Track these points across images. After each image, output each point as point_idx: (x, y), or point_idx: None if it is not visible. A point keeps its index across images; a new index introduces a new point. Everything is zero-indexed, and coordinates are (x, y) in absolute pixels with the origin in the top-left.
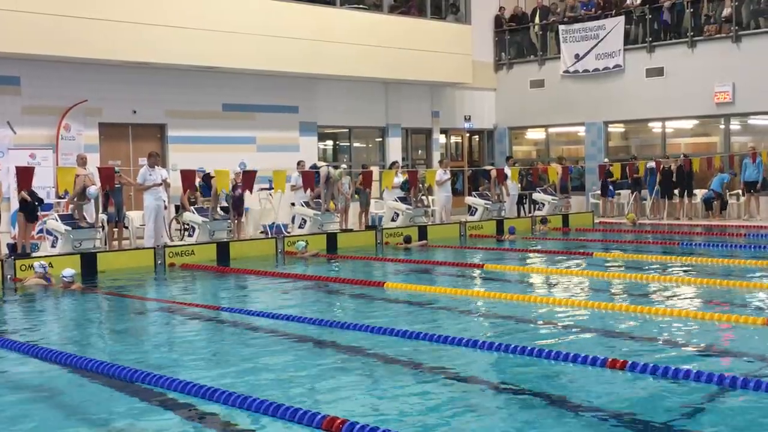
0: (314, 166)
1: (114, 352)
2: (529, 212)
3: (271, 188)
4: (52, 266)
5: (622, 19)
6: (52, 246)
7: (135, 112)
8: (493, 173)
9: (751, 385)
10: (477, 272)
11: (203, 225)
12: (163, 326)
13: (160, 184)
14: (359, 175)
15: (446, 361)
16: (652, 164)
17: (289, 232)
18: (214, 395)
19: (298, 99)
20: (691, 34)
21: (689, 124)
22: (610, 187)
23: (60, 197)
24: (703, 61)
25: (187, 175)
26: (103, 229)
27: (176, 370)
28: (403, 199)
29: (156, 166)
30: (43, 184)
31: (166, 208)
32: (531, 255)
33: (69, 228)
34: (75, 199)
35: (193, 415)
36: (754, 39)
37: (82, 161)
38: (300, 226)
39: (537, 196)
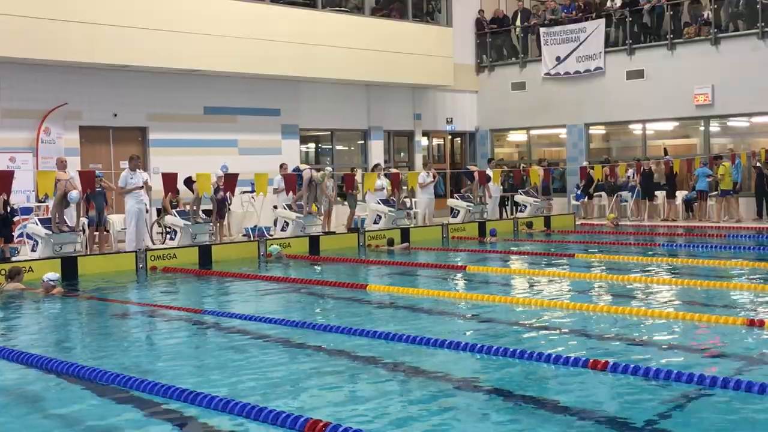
0: (297, 169)
1: (94, 356)
2: (511, 214)
3: (253, 191)
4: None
5: (602, 21)
6: (33, 250)
7: (116, 115)
8: (477, 174)
9: (732, 385)
10: (459, 274)
11: (185, 228)
12: (144, 330)
13: (142, 188)
14: (342, 177)
15: (429, 363)
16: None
17: (271, 235)
18: (195, 399)
19: (280, 102)
20: (671, 36)
21: (669, 125)
22: (577, 192)
23: (40, 201)
24: (683, 64)
25: (168, 178)
26: (84, 232)
27: (157, 374)
28: (385, 202)
29: (137, 170)
30: (22, 188)
31: (147, 211)
32: (513, 257)
33: (49, 232)
34: (56, 204)
35: (174, 418)
36: (732, 41)
37: (61, 165)
38: (282, 229)
39: (519, 198)
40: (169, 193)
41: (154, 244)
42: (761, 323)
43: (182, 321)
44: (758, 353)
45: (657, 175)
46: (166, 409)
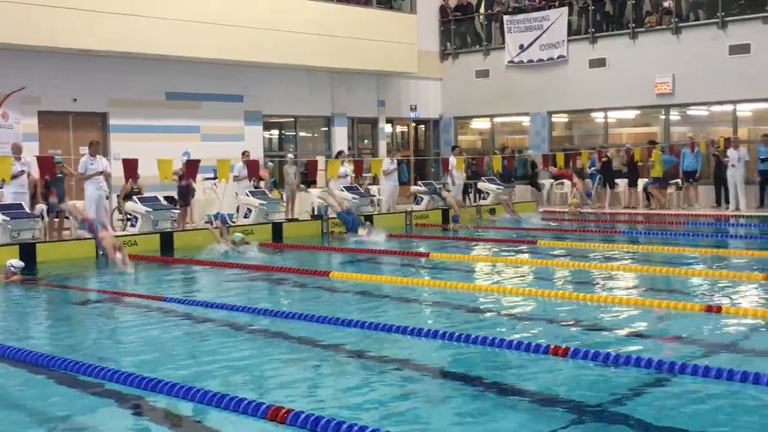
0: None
1: (54, 343)
2: (475, 201)
3: (215, 178)
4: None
5: (565, 10)
6: None
7: (75, 100)
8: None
9: (689, 370)
10: (423, 261)
11: (146, 215)
12: (105, 317)
13: (101, 173)
14: (306, 164)
15: (392, 350)
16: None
17: (234, 222)
18: (156, 386)
19: (243, 88)
20: (633, 25)
21: (631, 114)
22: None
23: None
24: (644, 53)
25: (129, 165)
26: (43, 219)
27: (118, 362)
28: (349, 189)
29: (97, 155)
30: None
31: (107, 197)
32: (476, 244)
33: (7, 218)
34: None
35: (135, 406)
36: (693, 31)
37: (16, 150)
38: (245, 216)
39: (482, 185)
40: (130, 180)
41: (114, 230)
42: (718, 309)
43: (143, 308)
44: (715, 339)
45: (617, 163)
46: (128, 397)
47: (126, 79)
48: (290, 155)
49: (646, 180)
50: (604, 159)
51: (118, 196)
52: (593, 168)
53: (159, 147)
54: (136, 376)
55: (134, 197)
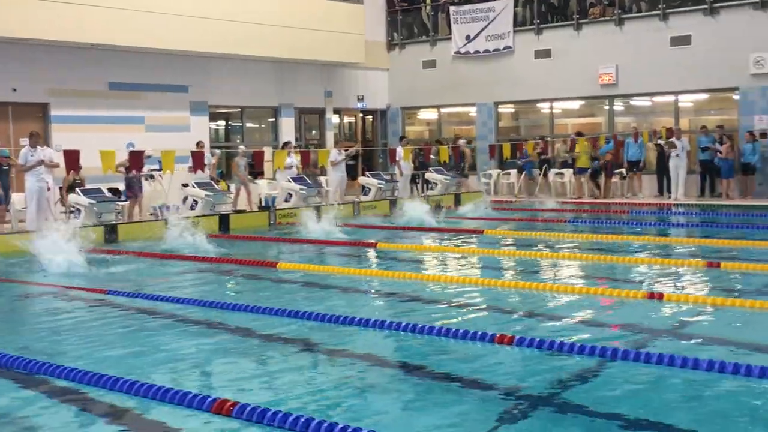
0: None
1: None
2: (422, 191)
3: (160, 169)
4: None
5: (510, 1)
6: None
7: (15, 90)
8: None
9: (631, 357)
10: (370, 251)
11: (89, 207)
12: (46, 311)
13: (41, 163)
14: (253, 155)
15: (339, 341)
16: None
17: (179, 214)
18: (99, 381)
19: (189, 78)
20: (577, 17)
21: (576, 104)
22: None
23: None
24: (589, 44)
25: (70, 156)
26: None
27: (61, 356)
28: (296, 179)
29: (38, 146)
30: None
31: (49, 189)
32: (423, 233)
33: None
34: None
35: (79, 401)
36: (635, 22)
37: None
38: (191, 208)
39: (430, 175)
40: (72, 171)
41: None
42: (660, 296)
43: (87, 302)
44: (657, 325)
45: (564, 153)
46: (70, 392)
47: (67, 68)
48: (242, 147)
49: (588, 169)
50: (538, 150)
51: (60, 188)
52: (523, 159)
53: (102, 138)
54: (79, 371)
55: (77, 189)
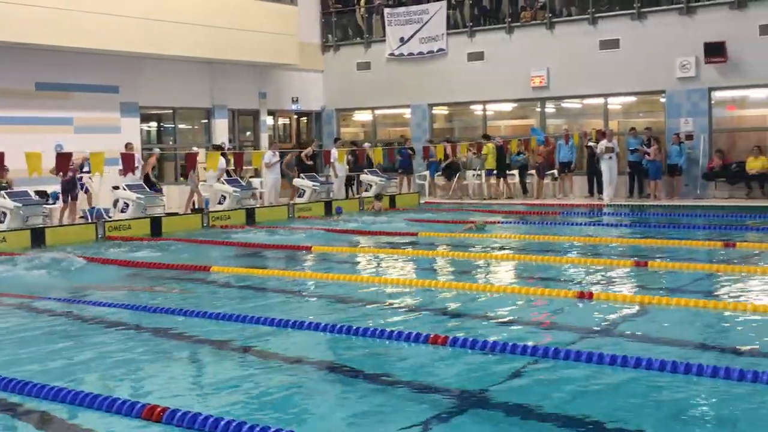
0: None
1: None
2: (357, 193)
3: (88, 171)
4: None
5: (444, 3)
6: None
7: None
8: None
9: (562, 355)
10: (305, 254)
11: (15, 210)
12: None
13: None
14: (185, 156)
15: (275, 344)
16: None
17: (110, 217)
18: (24, 388)
19: (119, 79)
20: (509, 20)
21: (508, 106)
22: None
23: None
24: (520, 47)
25: None
26: None
27: None
28: (230, 182)
29: None
30: None
31: None
32: (358, 235)
33: None
34: None
35: (5, 409)
36: (566, 26)
37: None
38: (122, 210)
39: (364, 177)
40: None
41: None
42: (590, 295)
43: (13, 307)
44: (587, 324)
45: (472, 156)
46: None
47: None
48: (156, 149)
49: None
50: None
51: None
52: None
53: (29, 139)
54: (3, 378)
55: (2, 192)
